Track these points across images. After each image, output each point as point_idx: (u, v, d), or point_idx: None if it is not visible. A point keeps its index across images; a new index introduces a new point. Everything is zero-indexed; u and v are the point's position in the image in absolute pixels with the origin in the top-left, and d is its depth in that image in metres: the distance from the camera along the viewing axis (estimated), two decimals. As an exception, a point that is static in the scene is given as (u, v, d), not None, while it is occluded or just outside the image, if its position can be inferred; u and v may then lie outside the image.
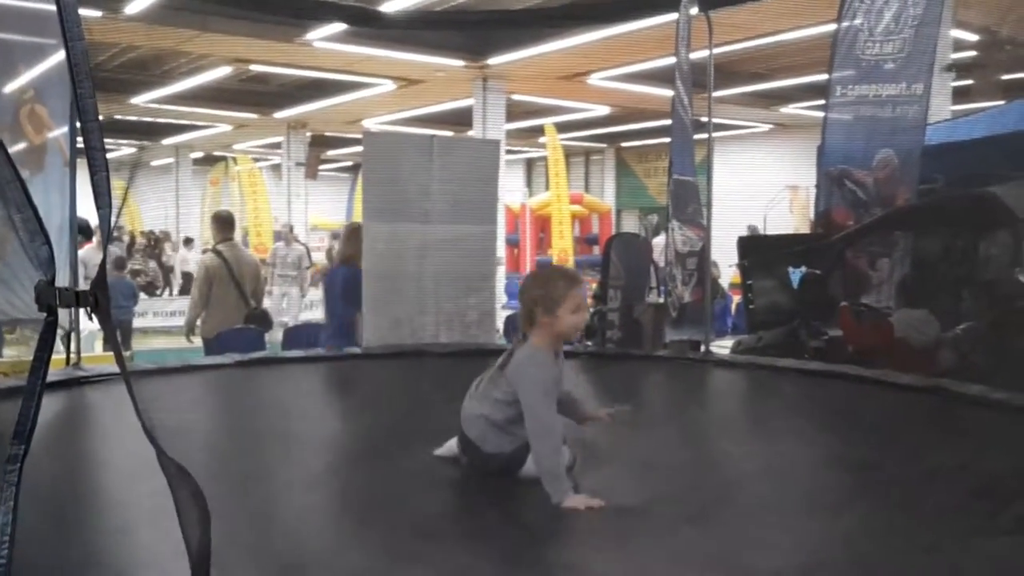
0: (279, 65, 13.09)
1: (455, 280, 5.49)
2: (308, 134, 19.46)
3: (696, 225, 5.43)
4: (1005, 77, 9.38)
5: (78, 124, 2.83)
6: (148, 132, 19.34)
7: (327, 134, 20.33)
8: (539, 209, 18.95)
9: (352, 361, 4.99)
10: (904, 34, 5.96)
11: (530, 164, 26.93)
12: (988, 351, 4.78)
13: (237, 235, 7.52)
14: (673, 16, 5.33)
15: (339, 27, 9.38)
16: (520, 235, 18.64)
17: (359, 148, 7.26)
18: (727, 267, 10.68)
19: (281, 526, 2.24)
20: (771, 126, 19.19)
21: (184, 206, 23.67)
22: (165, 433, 1.46)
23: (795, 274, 6.14)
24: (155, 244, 19.56)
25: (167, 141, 21.54)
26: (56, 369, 4.16)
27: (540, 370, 2.37)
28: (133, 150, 22.24)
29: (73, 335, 4.45)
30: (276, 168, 22.72)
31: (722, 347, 6.23)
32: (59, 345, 4.26)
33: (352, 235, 5.70)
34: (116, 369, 3.45)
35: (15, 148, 4.15)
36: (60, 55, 2.55)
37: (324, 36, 10.60)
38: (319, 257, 17.43)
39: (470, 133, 14.44)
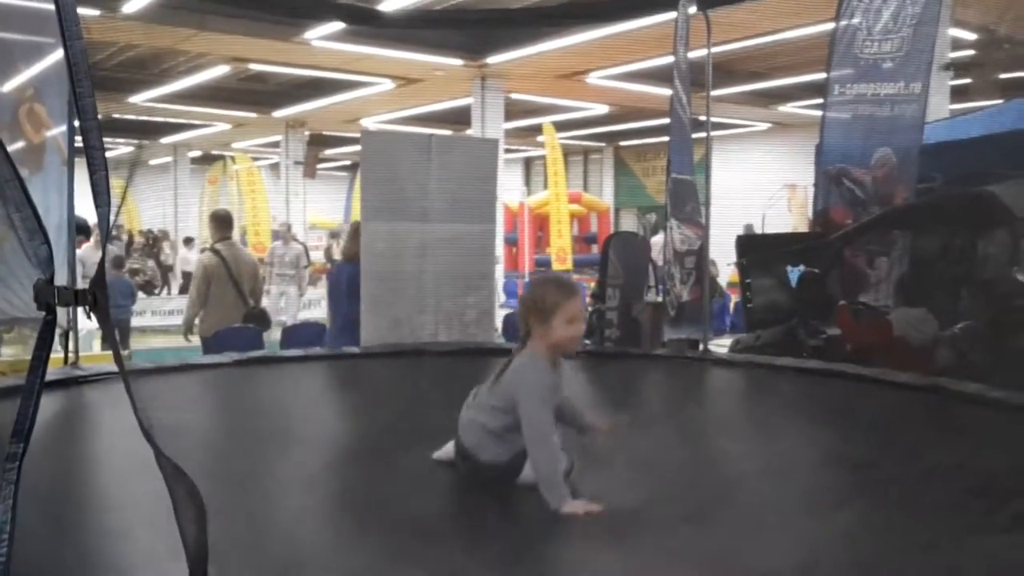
0: (277, 64, 13.07)
1: (454, 279, 5.49)
2: (306, 133, 19.45)
3: (694, 224, 5.43)
4: (1003, 76, 9.41)
5: (77, 123, 2.82)
6: (146, 131, 19.32)
7: (325, 133, 20.31)
8: (538, 208, 18.95)
9: (351, 360, 4.99)
10: (902, 33, 5.96)
11: (529, 163, 26.94)
12: (986, 350, 4.79)
13: (235, 234, 7.51)
14: (671, 15, 5.34)
15: (337, 26, 9.37)
16: (519, 234, 18.63)
17: (357, 147, 7.25)
18: (725, 266, 10.68)
19: (279, 526, 2.23)
20: (769, 125, 19.20)
21: (182, 205, 23.65)
22: (163, 432, 1.46)
23: (793, 273, 6.14)
24: (153, 243, 19.59)
25: (165, 140, 21.55)
26: (54, 368, 4.15)
27: (537, 377, 2.36)
28: (131, 149, 22.20)
29: (71, 334, 4.45)
30: (274, 167, 22.71)
31: (720, 346, 6.24)
32: (57, 344, 4.25)
33: (357, 233, 5.69)
34: (114, 368, 3.45)
35: (14, 147, 4.14)
36: (59, 54, 2.54)
37: (322, 35, 10.59)
38: (317, 256, 17.42)
39: (468, 132, 14.44)
